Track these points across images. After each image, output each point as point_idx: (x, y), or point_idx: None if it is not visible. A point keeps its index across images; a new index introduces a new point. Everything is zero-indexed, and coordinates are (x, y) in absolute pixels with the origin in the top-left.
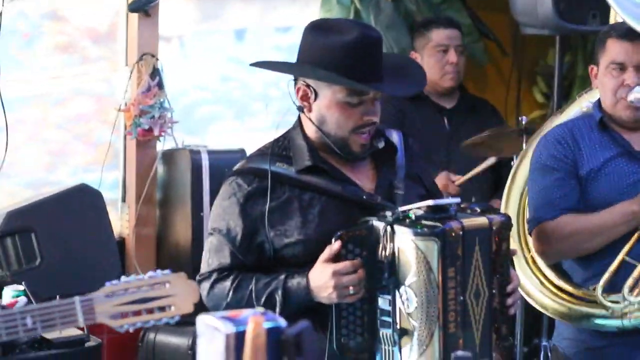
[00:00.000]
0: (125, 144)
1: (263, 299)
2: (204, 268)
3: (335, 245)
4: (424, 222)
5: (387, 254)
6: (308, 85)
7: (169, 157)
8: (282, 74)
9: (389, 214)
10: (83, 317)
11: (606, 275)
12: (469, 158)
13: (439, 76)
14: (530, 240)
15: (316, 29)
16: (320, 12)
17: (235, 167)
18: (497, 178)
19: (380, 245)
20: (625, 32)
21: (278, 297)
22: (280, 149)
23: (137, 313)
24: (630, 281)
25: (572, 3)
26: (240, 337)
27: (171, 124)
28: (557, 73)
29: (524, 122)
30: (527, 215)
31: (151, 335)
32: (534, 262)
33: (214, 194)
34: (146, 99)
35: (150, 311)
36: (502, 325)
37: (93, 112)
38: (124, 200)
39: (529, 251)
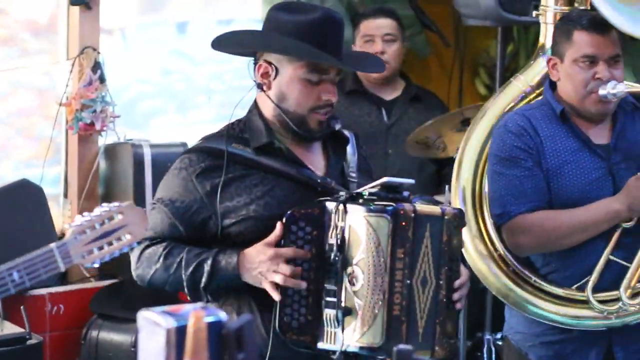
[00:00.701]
0: (67, 139)
1: (191, 268)
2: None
3: (278, 229)
4: (377, 201)
5: (337, 232)
6: (270, 63)
7: (111, 151)
8: (227, 64)
9: (342, 194)
10: (62, 262)
11: (594, 276)
12: (405, 150)
13: None
14: (494, 238)
15: (281, 9)
16: (262, 5)
17: (189, 147)
18: (440, 171)
19: (332, 224)
20: (594, 24)
21: (206, 266)
22: (236, 131)
23: (101, 248)
24: (625, 282)
25: None
26: (181, 331)
27: (113, 118)
28: (499, 64)
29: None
30: (489, 209)
31: (94, 333)
32: (504, 261)
33: (156, 188)
34: (88, 93)
35: (110, 243)
36: (447, 320)
37: (34, 107)
38: (65, 195)
39: (496, 250)
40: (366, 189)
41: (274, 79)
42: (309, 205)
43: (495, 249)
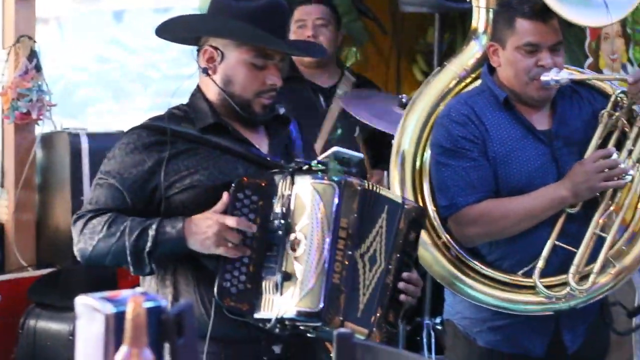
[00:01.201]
0: (3, 128)
1: (135, 234)
2: (86, 207)
3: (225, 198)
4: (324, 171)
5: (283, 200)
6: (216, 48)
7: (47, 140)
8: (163, 53)
9: (291, 165)
10: None
11: (541, 262)
12: (343, 136)
13: None
14: (437, 226)
15: None
16: None
17: (137, 125)
18: (375, 151)
19: (278, 194)
20: (536, 12)
21: (151, 232)
22: (180, 113)
23: None
24: (573, 269)
25: None
26: (120, 317)
27: (49, 107)
28: (436, 51)
29: (404, 100)
30: (435, 200)
31: (32, 322)
32: (448, 249)
33: (93, 177)
34: (24, 82)
35: None
36: (390, 308)
37: None
38: (2, 185)
39: (440, 238)
40: (316, 160)
41: (220, 63)
42: (257, 176)
43: (439, 237)
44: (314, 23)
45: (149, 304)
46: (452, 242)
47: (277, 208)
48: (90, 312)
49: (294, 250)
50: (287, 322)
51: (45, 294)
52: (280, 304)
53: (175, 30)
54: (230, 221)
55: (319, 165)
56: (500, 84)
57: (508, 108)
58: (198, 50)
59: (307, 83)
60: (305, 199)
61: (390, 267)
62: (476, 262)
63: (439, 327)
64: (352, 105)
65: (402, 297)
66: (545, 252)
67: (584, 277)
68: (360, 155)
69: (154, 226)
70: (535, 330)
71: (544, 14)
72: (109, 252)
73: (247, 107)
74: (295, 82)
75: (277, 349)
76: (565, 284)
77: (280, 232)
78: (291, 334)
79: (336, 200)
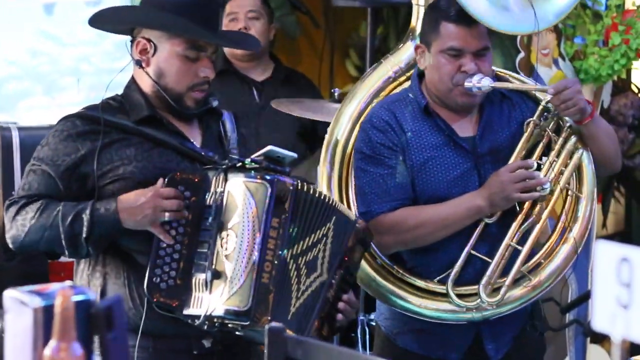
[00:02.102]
0: None
1: (69, 219)
2: (19, 193)
3: (158, 182)
4: (258, 170)
5: (216, 197)
6: (149, 40)
7: None
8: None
9: (225, 162)
10: None
11: (455, 271)
12: (279, 130)
13: None
14: None
15: None
16: None
17: (70, 113)
18: (310, 141)
19: (211, 191)
20: (461, 16)
21: (85, 216)
22: (114, 105)
23: None
24: (485, 280)
25: None
26: (48, 310)
27: None
28: (369, 46)
29: (337, 95)
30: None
31: None
32: (372, 256)
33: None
34: None
35: None
36: (326, 323)
37: None
38: None
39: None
40: (249, 158)
41: (153, 55)
42: (190, 172)
43: None
44: (246, 16)
45: (78, 298)
46: (373, 246)
47: (209, 205)
48: (18, 305)
49: (224, 248)
50: (215, 320)
51: None
52: (209, 301)
53: (108, 20)
54: (168, 191)
55: (253, 164)
56: (427, 87)
57: (429, 115)
58: (132, 42)
59: (241, 76)
60: (237, 197)
61: (333, 281)
62: (393, 266)
63: (373, 324)
64: (284, 104)
65: (340, 316)
66: (459, 260)
67: (496, 289)
68: (294, 154)
69: (87, 211)
70: (453, 337)
71: (469, 19)
72: (42, 238)
73: (180, 100)
74: (229, 76)
75: (207, 343)
76: (477, 294)
77: (211, 229)
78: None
79: (268, 200)
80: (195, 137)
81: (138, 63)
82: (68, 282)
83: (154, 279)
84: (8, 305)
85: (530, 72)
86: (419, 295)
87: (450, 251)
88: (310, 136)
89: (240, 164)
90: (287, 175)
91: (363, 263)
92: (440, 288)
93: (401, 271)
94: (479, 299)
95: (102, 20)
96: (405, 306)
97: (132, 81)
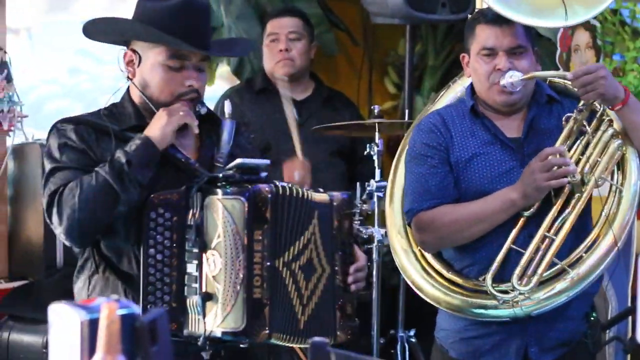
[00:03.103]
0: None
1: (108, 165)
2: (45, 197)
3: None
4: (233, 184)
5: (196, 217)
6: (134, 51)
7: (19, 152)
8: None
9: (199, 178)
10: None
11: (495, 265)
12: (319, 147)
13: (272, 66)
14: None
15: None
16: None
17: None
18: (351, 169)
19: (191, 210)
20: (493, 18)
21: (118, 154)
22: (107, 111)
23: None
24: (518, 270)
25: None
26: (93, 324)
27: (21, 118)
28: (407, 63)
29: (376, 111)
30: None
31: (4, 334)
32: (423, 256)
33: None
34: None
35: None
36: (346, 303)
37: None
38: None
39: (417, 245)
40: (221, 172)
41: (138, 66)
42: (168, 192)
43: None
44: (287, 37)
45: (123, 311)
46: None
47: (190, 225)
48: (63, 319)
49: (210, 269)
50: (215, 340)
51: (18, 306)
52: (205, 323)
53: (96, 32)
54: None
55: (227, 179)
56: (475, 93)
57: (476, 116)
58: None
59: (281, 95)
60: (215, 216)
61: (336, 268)
62: (438, 265)
63: (413, 340)
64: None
65: (353, 287)
66: (500, 255)
67: (541, 284)
68: (267, 160)
69: (120, 152)
70: (506, 343)
71: (501, 20)
72: (94, 198)
73: None
74: (269, 94)
75: (205, 355)
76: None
77: (195, 250)
78: None
79: (246, 214)
80: (189, 146)
81: (125, 74)
82: (113, 296)
83: (149, 306)
84: (53, 319)
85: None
86: (464, 294)
87: (493, 248)
88: (350, 154)
89: (214, 179)
90: (264, 182)
91: (417, 267)
92: (482, 285)
93: (448, 273)
94: (514, 290)
95: (92, 32)
96: (455, 305)
97: (127, 92)
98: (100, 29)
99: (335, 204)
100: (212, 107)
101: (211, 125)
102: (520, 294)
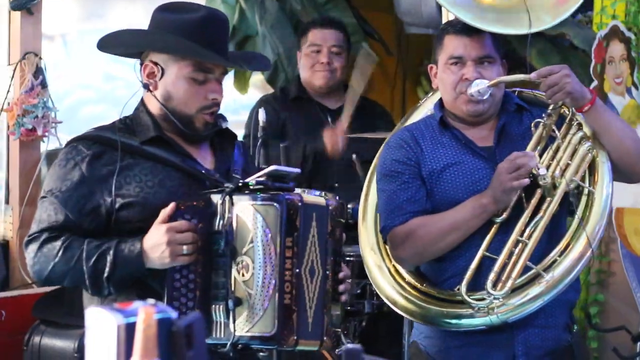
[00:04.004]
0: (8, 145)
1: (93, 259)
2: (33, 229)
3: (169, 207)
4: (263, 190)
5: (224, 222)
6: (156, 63)
7: (53, 157)
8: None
9: (228, 185)
10: None
11: (468, 273)
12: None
13: (310, 75)
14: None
15: (165, 10)
16: None
17: (75, 137)
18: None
19: (218, 216)
20: (462, 28)
21: (109, 257)
22: (123, 125)
23: None
24: (492, 276)
25: None
26: (130, 328)
27: (55, 123)
28: None
29: None
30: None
31: (36, 339)
32: (397, 271)
33: None
34: (29, 99)
35: None
36: (333, 310)
37: None
38: (7, 202)
39: (390, 261)
40: (253, 179)
41: (160, 79)
42: (194, 198)
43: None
44: (330, 50)
45: (160, 315)
46: (397, 265)
47: (219, 231)
48: (100, 323)
49: (241, 274)
50: (240, 345)
51: (50, 311)
52: (233, 329)
53: (114, 44)
54: (178, 225)
55: (258, 185)
56: (444, 106)
57: (446, 127)
58: (140, 64)
59: (315, 104)
60: (248, 222)
61: (327, 272)
62: (412, 279)
63: None
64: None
65: (343, 298)
66: (473, 263)
67: (515, 290)
68: (297, 170)
69: (111, 252)
70: (492, 352)
71: (470, 30)
72: (66, 276)
73: (189, 123)
74: (304, 103)
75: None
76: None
77: (225, 256)
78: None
79: (280, 220)
80: (206, 159)
81: (146, 87)
82: (150, 300)
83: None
84: (90, 323)
85: (604, 100)
86: (438, 305)
87: (468, 257)
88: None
89: (244, 185)
90: (292, 192)
91: (398, 297)
92: (457, 294)
93: (424, 286)
94: (489, 296)
95: (110, 45)
96: (433, 318)
97: (141, 103)
98: (119, 41)
99: (330, 208)
100: (246, 115)
101: (226, 140)
102: (494, 299)
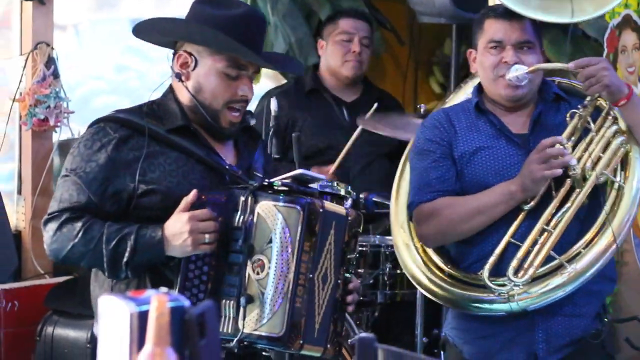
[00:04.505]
0: (21, 135)
1: (113, 243)
2: (54, 207)
3: (191, 195)
4: (287, 192)
5: (245, 219)
6: (190, 54)
7: (65, 147)
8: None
9: (253, 182)
10: None
11: (492, 258)
12: (367, 148)
13: (340, 64)
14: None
15: (205, 2)
16: None
17: (102, 116)
18: (397, 160)
19: (239, 212)
20: (503, 12)
21: (129, 242)
22: (150, 110)
23: None
24: (514, 262)
25: None
26: (143, 316)
27: (67, 114)
28: (453, 63)
29: (422, 110)
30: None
31: (49, 329)
32: (424, 251)
33: None
34: (41, 89)
35: None
36: (339, 319)
37: None
38: (19, 192)
39: (419, 240)
40: (278, 179)
41: (193, 69)
42: (216, 191)
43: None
44: (361, 41)
45: (173, 304)
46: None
47: (238, 227)
48: (113, 311)
49: (256, 272)
50: (246, 342)
51: (62, 302)
52: (242, 325)
53: (151, 32)
54: (200, 213)
55: (281, 186)
56: (482, 91)
57: (482, 112)
58: (174, 55)
59: (331, 96)
60: (268, 221)
61: (339, 281)
62: (438, 260)
63: None
64: (371, 124)
65: (350, 308)
66: (498, 248)
67: (537, 279)
68: (323, 176)
69: (132, 236)
70: (514, 343)
71: (510, 14)
72: (84, 257)
73: (216, 117)
74: (319, 95)
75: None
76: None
77: (241, 253)
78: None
79: (301, 225)
80: (228, 155)
81: (178, 76)
82: (163, 289)
83: None
84: (103, 311)
85: None
86: (461, 288)
87: (495, 242)
88: (397, 155)
89: (268, 185)
90: (315, 197)
91: (422, 277)
92: (480, 278)
93: (448, 267)
94: (510, 282)
95: (146, 31)
96: (454, 300)
97: (170, 91)
98: (157, 29)
99: (349, 218)
100: (255, 105)
101: (249, 138)
102: (515, 285)
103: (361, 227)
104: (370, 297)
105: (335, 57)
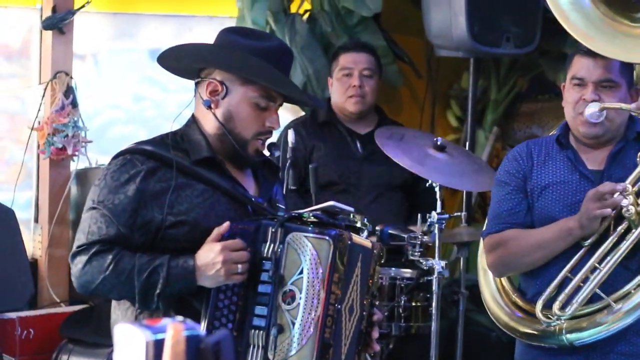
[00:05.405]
0: (39, 163)
1: (145, 274)
2: (81, 240)
3: (223, 226)
4: (316, 224)
5: (274, 249)
6: (221, 82)
7: (82, 176)
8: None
9: (281, 214)
10: None
11: (548, 291)
12: (380, 180)
13: (343, 100)
14: None
15: (234, 32)
16: None
17: (127, 148)
18: (412, 201)
19: (268, 242)
20: (589, 49)
21: (162, 273)
22: (173, 142)
23: None
24: (562, 297)
25: (486, 26)
26: (159, 344)
27: (85, 143)
28: (470, 96)
29: (439, 142)
30: None
31: (64, 357)
32: (501, 283)
33: None
34: (60, 118)
35: None
36: (362, 352)
37: (5, 131)
38: (36, 220)
39: None
40: (308, 211)
41: (223, 98)
42: (245, 222)
43: None
44: (361, 73)
45: (188, 332)
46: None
47: (267, 257)
48: (129, 339)
49: (286, 302)
50: None
51: (78, 330)
52: (272, 356)
53: (181, 58)
54: (232, 243)
55: (312, 217)
56: (566, 124)
57: (561, 146)
58: (197, 83)
59: (345, 128)
60: (299, 252)
61: (364, 313)
62: (508, 286)
63: None
64: (389, 146)
65: (376, 347)
66: (555, 282)
67: (567, 306)
68: (352, 209)
69: (164, 268)
70: None
71: (596, 52)
72: (115, 289)
73: (244, 146)
74: (333, 127)
75: None
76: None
77: (271, 283)
78: None
79: (331, 256)
80: (250, 187)
81: (207, 104)
82: (179, 317)
83: (212, 331)
84: (118, 339)
85: None
86: (520, 319)
87: (554, 276)
88: (411, 187)
89: (298, 217)
90: (343, 229)
91: (492, 303)
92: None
93: (514, 295)
94: (554, 316)
95: (176, 57)
96: (513, 327)
97: (193, 121)
98: (190, 54)
99: (375, 250)
100: (276, 137)
101: (268, 170)
102: (557, 319)
103: (383, 260)
104: (386, 329)
105: (339, 93)
